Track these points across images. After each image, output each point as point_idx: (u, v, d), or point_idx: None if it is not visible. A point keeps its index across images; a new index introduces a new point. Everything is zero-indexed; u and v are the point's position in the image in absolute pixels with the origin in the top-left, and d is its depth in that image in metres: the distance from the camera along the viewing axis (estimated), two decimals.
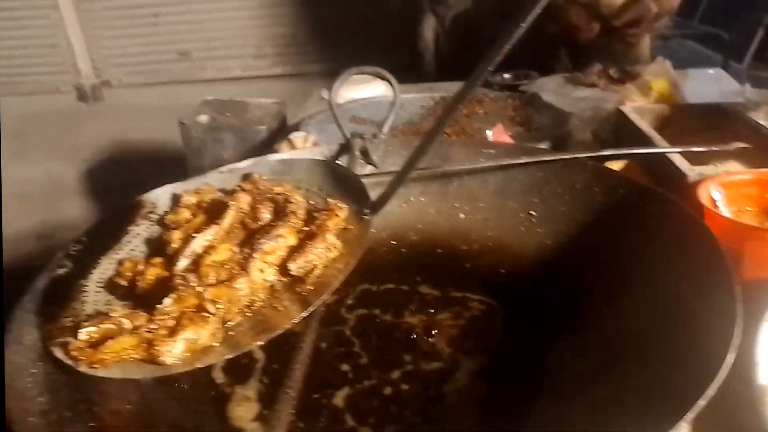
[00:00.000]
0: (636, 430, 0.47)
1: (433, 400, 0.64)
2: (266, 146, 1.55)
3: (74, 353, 0.51)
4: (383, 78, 0.98)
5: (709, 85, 1.46)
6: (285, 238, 0.61)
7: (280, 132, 1.61)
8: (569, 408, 0.58)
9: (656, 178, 0.88)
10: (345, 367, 0.67)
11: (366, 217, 0.64)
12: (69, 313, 0.59)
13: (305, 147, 1.12)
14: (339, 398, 0.63)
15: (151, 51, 3.25)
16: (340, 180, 0.72)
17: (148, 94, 3.31)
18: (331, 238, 0.59)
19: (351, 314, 0.78)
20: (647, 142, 0.93)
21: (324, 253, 0.59)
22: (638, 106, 1.04)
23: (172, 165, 2.65)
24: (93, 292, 0.62)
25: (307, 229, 0.63)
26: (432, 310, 0.79)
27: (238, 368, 0.68)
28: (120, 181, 2.81)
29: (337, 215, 0.63)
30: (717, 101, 1.13)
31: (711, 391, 0.43)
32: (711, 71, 1.52)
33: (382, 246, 0.90)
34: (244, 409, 0.62)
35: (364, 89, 1.64)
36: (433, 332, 0.73)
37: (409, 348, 0.72)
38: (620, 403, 0.53)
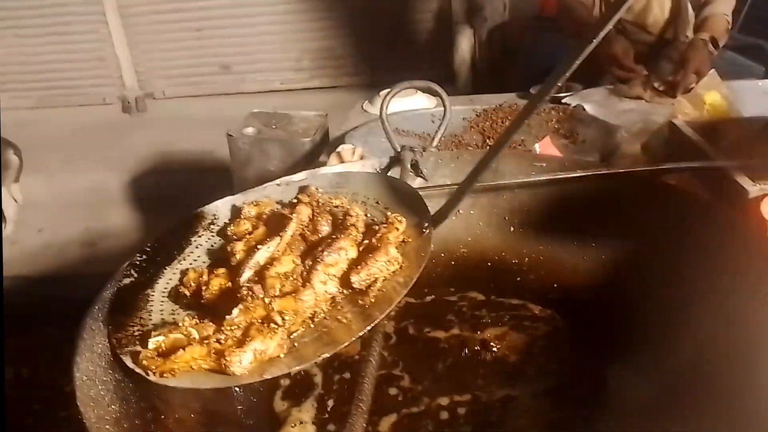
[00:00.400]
0: None
1: (493, 424, 0.63)
2: (310, 158, 1.57)
3: (145, 362, 0.53)
4: (433, 92, 0.98)
5: (761, 97, 1.42)
6: (346, 250, 0.61)
7: (324, 144, 1.63)
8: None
9: (713, 193, 0.86)
10: (393, 390, 0.67)
11: (426, 230, 0.64)
12: (136, 322, 0.60)
13: (353, 160, 1.13)
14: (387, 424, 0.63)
15: (194, 64, 3.32)
16: (397, 193, 0.72)
17: (190, 106, 3.38)
18: (393, 251, 0.60)
19: (398, 328, 0.78)
20: (702, 156, 0.92)
21: (386, 267, 0.59)
22: (691, 120, 1.03)
23: (213, 176, 2.70)
24: (158, 302, 0.63)
25: (367, 242, 0.63)
26: (484, 325, 0.78)
27: (295, 387, 0.68)
28: (163, 191, 2.87)
29: (396, 228, 0.64)
30: None
31: None
32: (760, 83, 1.48)
33: (431, 259, 0.90)
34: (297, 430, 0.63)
35: (405, 102, 1.66)
36: (491, 347, 0.72)
37: (461, 366, 0.72)
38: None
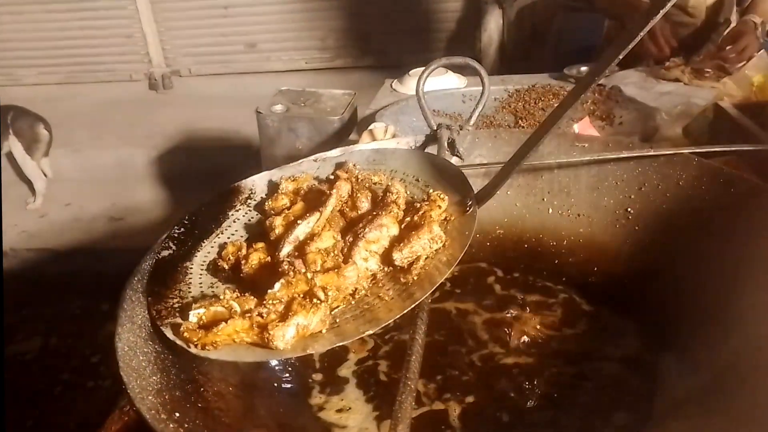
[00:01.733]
0: None
1: (525, 409, 0.62)
2: (339, 136, 1.56)
3: (186, 334, 0.52)
4: (472, 68, 0.96)
5: None
6: (388, 227, 0.60)
7: (353, 122, 1.61)
8: (678, 427, 0.55)
9: (763, 177, 0.83)
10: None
11: (470, 209, 0.63)
12: (176, 294, 0.60)
13: (385, 138, 1.12)
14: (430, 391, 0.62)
15: (220, 42, 3.32)
16: (437, 171, 0.71)
17: (215, 84, 3.38)
18: (436, 229, 0.58)
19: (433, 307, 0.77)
20: (751, 139, 0.88)
21: (428, 244, 0.58)
22: (738, 102, 0.99)
23: (238, 152, 2.71)
24: (197, 274, 0.63)
25: (408, 220, 0.62)
26: (520, 307, 0.77)
27: (333, 362, 0.68)
28: (188, 168, 2.89)
29: (439, 206, 0.62)
30: None
31: None
32: None
33: None
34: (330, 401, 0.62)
35: (436, 81, 1.63)
36: (529, 330, 0.71)
37: (495, 345, 0.71)
38: (740, 427, 0.49)
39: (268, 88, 1.83)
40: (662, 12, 0.51)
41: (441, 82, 1.67)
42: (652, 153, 0.79)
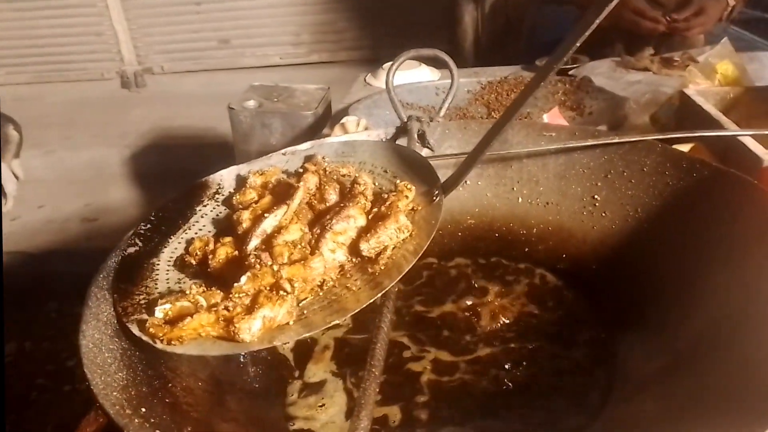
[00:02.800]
0: (720, 427, 0.45)
1: (493, 394, 0.63)
2: (313, 131, 1.55)
3: (152, 330, 0.52)
4: (440, 60, 0.97)
5: None
6: (355, 218, 0.60)
7: (326, 117, 1.61)
8: (642, 407, 0.56)
9: (726, 162, 0.84)
10: (407, 352, 0.67)
11: (436, 198, 0.63)
12: (142, 291, 0.60)
13: (358, 131, 1.12)
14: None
15: (193, 39, 3.29)
16: (405, 162, 0.71)
17: (189, 81, 3.35)
18: (403, 219, 0.59)
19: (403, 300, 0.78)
20: (714, 125, 0.90)
21: (395, 234, 0.58)
22: (702, 89, 1.01)
23: (213, 150, 2.69)
24: (164, 271, 0.63)
25: (376, 210, 0.62)
26: (489, 295, 0.78)
27: (305, 354, 0.68)
28: (162, 166, 2.86)
29: (406, 196, 0.62)
30: None
31: None
32: None
33: (438, 230, 0.89)
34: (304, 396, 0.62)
35: (409, 74, 1.63)
36: (498, 314, 0.72)
37: (465, 334, 0.71)
38: (699, 403, 0.50)
39: (242, 84, 1.81)
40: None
41: (414, 75, 1.68)
42: (617, 140, 0.81)
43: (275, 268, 0.54)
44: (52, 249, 2.61)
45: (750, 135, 0.81)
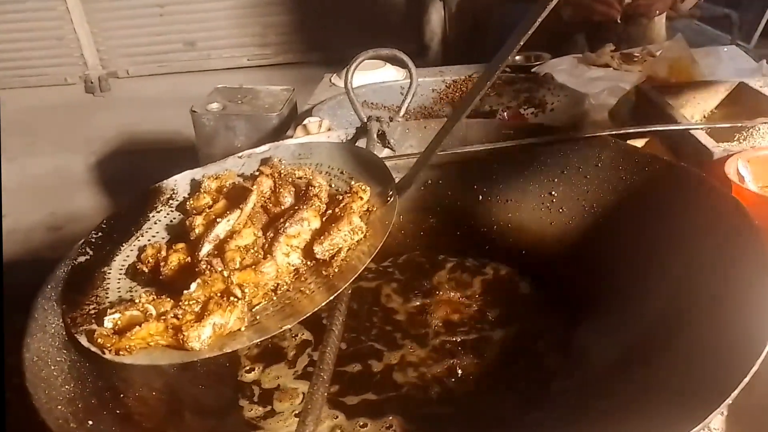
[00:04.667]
0: (668, 419, 0.45)
1: (449, 386, 0.63)
2: (278, 133, 1.54)
3: (100, 341, 0.51)
4: (399, 60, 0.96)
5: (725, 62, 1.43)
6: (309, 221, 0.60)
7: (291, 119, 1.60)
8: (597, 396, 0.57)
9: (679, 156, 0.86)
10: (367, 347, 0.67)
11: (391, 199, 0.63)
12: (92, 301, 0.58)
13: (320, 132, 1.11)
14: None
15: (157, 41, 3.23)
16: (361, 163, 0.71)
17: (154, 84, 3.30)
18: (356, 220, 0.58)
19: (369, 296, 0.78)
20: (669, 119, 0.92)
21: (349, 236, 0.58)
22: (658, 85, 1.02)
23: (180, 155, 2.64)
24: (115, 279, 0.61)
25: (330, 212, 0.61)
26: (453, 290, 0.78)
27: (260, 359, 0.67)
28: (129, 172, 2.80)
29: (360, 198, 0.62)
30: (746, 77, 1.11)
31: (752, 372, 0.42)
32: (725, 49, 1.49)
33: (400, 229, 0.90)
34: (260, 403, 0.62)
35: (374, 74, 1.63)
36: (460, 312, 0.72)
37: (426, 327, 0.72)
38: (651, 390, 0.51)
39: (208, 86, 1.79)
40: None
41: (379, 74, 1.67)
42: (570, 137, 0.81)
43: (225, 273, 0.53)
44: (17, 260, 2.54)
45: (701, 128, 0.82)
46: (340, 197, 0.63)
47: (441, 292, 0.78)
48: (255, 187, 0.64)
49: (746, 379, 0.42)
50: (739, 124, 0.84)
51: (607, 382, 0.56)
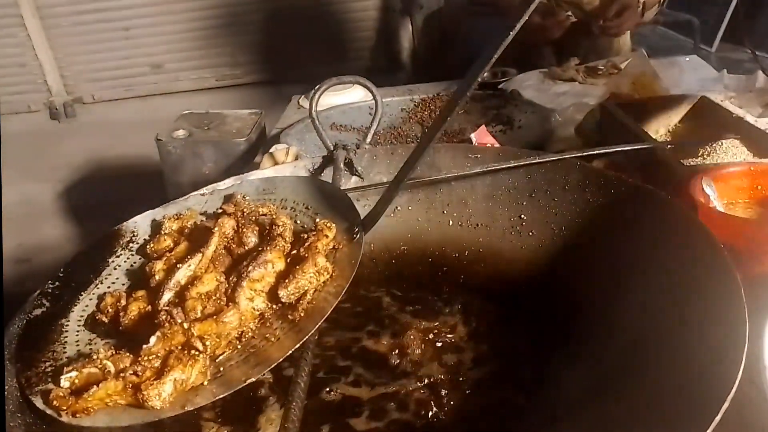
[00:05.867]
0: None
1: (426, 418, 0.62)
2: (247, 158, 1.52)
3: (56, 402, 0.49)
4: (365, 86, 0.96)
5: (687, 73, 1.45)
6: (273, 263, 0.58)
7: (261, 143, 1.58)
8: (572, 426, 0.56)
9: (645, 173, 0.86)
10: (335, 393, 0.65)
11: (357, 236, 0.62)
12: (49, 357, 0.56)
13: (287, 161, 1.10)
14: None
15: (123, 65, 3.19)
16: (327, 197, 0.69)
17: (122, 109, 3.25)
18: (321, 261, 0.57)
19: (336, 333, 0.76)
20: (632, 136, 0.92)
21: (315, 277, 0.57)
22: (621, 101, 1.03)
23: (150, 181, 2.60)
24: (74, 332, 0.59)
25: (295, 252, 0.60)
26: (425, 320, 0.77)
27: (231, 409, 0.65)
28: (98, 200, 2.75)
29: (326, 236, 0.61)
30: (696, 90, 1.13)
31: (726, 405, 0.41)
32: (687, 59, 1.51)
33: (371, 258, 0.88)
34: None
35: (343, 95, 1.62)
36: (433, 338, 0.71)
37: (399, 362, 0.70)
38: (626, 419, 0.51)
39: (177, 109, 1.76)
40: (527, 13, 0.52)
41: (347, 96, 1.66)
42: (537, 160, 0.81)
43: (186, 326, 0.51)
44: None
45: (665, 146, 0.83)
46: (305, 236, 0.62)
47: (410, 325, 0.76)
48: (216, 228, 0.62)
49: (724, 407, 0.41)
50: (703, 142, 0.85)
51: (581, 414, 0.55)
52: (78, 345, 0.58)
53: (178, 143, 1.49)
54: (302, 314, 0.55)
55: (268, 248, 0.60)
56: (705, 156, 0.87)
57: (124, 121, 3.15)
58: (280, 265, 0.59)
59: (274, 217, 0.64)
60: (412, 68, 3.24)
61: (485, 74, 1.78)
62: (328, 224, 0.62)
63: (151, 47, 3.20)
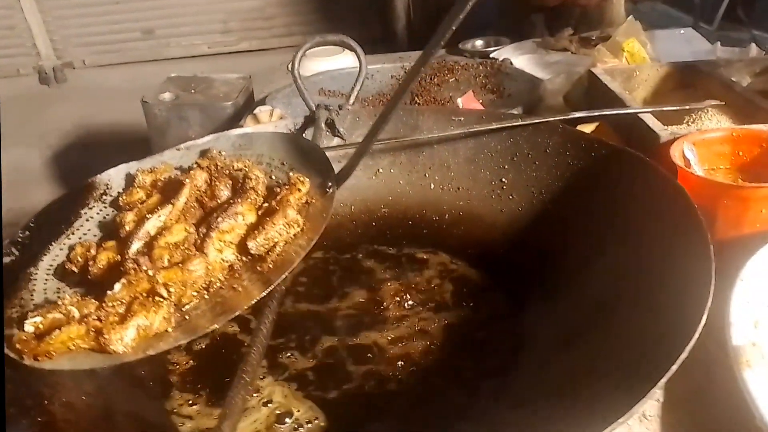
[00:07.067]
0: (610, 396, 0.45)
1: (404, 370, 0.62)
2: (233, 122, 1.50)
3: (18, 346, 0.48)
4: (348, 46, 0.94)
5: (681, 44, 1.44)
6: (244, 215, 0.58)
7: (247, 108, 1.56)
8: (545, 375, 0.57)
9: (629, 139, 0.86)
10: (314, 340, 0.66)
11: (329, 190, 0.61)
12: (16, 304, 0.56)
13: (270, 121, 1.08)
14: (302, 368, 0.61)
15: (114, 30, 3.13)
16: (303, 153, 0.68)
17: (112, 74, 3.20)
18: (292, 213, 0.56)
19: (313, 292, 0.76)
20: (619, 103, 0.91)
21: (285, 230, 0.56)
22: (609, 68, 1.02)
23: (139, 147, 2.58)
24: (42, 281, 0.59)
25: (267, 205, 0.59)
26: (403, 279, 0.77)
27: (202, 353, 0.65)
28: (87, 166, 2.72)
29: (299, 190, 0.60)
30: (698, 60, 1.11)
31: (684, 355, 0.42)
32: (682, 31, 1.50)
33: (352, 220, 0.88)
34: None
35: (332, 61, 1.60)
36: (407, 299, 0.71)
37: (380, 316, 0.71)
38: (594, 368, 0.51)
39: (168, 75, 1.74)
40: None
41: (338, 62, 1.64)
42: (520, 123, 0.81)
43: (151, 273, 0.51)
44: None
45: (648, 112, 0.82)
46: (278, 189, 0.61)
47: (391, 282, 0.77)
48: (188, 180, 0.62)
49: (682, 356, 0.41)
50: (687, 107, 0.84)
51: (555, 362, 0.56)
52: (46, 293, 0.57)
53: (164, 106, 1.47)
54: (271, 266, 0.54)
55: (239, 200, 0.59)
56: (689, 123, 0.86)
57: (114, 86, 3.11)
58: (251, 218, 0.58)
59: (247, 170, 0.64)
60: (408, 39, 3.20)
61: (478, 43, 1.75)
62: (302, 178, 0.62)
63: (142, 12, 3.15)
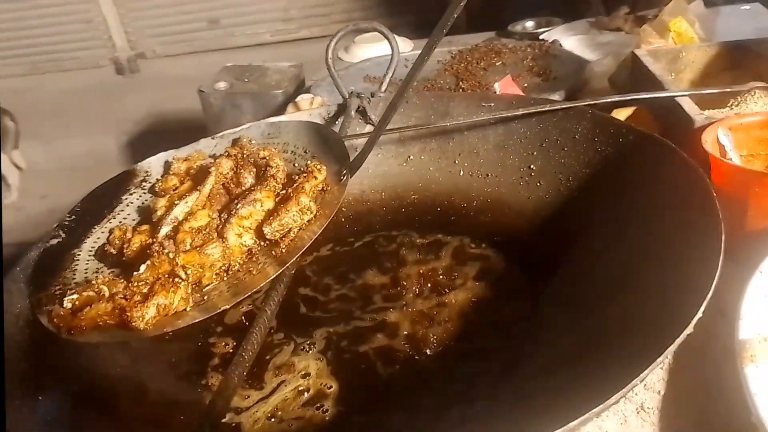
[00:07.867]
0: (618, 363, 0.45)
1: (419, 355, 0.64)
2: (283, 110, 1.55)
3: (56, 320, 0.53)
4: (380, 32, 0.96)
5: (745, 21, 1.35)
6: (262, 202, 0.61)
7: (296, 95, 1.60)
8: (558, 344, 0.57)
9: (666, 125, 0.83)
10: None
11: (343, 178, 0.63)
12: (60, 282, 0.61)
13: (311, 109, 1.11)
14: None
15: (182, 20, 3.27)
16: (324, 141, 0.71)
17: (181, 63, 3.35)
18: (305, 200, 0.59)
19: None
20: (658, 86, 0.88)
21: (298, 216, 0.59)
22: (653, 49, 0.98)
23: (200, 134, 2.70)
24: (84, 261, 0.64)
25: (284, 192, 0.62)
26: (429, 264, 0.78)
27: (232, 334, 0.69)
28: (159, 151, 2.87)
29: (315, 177, 0.63)
30: (749, 38, 1.05)
31: (689, 330, 0.42)
32: (747, 6, 1.41)
33: (382, 206, 0.90)
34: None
35: (378, 47, 1.61)
36: (431, 283, 0.73)
37: (403, 298, 0.72)
38: (604, 336, 0.52)
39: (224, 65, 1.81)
40: None
41: (383, 48, 1.65)
42: (549, 108, 0.80)
43: (171, 255, 0.55)
44: None
45: (685, 95, 0.79)
46: (296, 177, 0.64)
47: (416, 266, 0.78)
48: (213, 168, 0.65)
49: (687, 330, 0.42)
50: (727, 90, 0.80)
51: (573, 323, 0.56)
52: (86, 273, 0.62)
53: (218, 95, 1.54)
54: (284, 250, 0.57)
55: (259, 188, 0.62)
56: (733, 106, 0.82)
57: (183, 75, 3.25)
58: (269, 204, 0.61)
59: (269, 158, 0.67)
60: (466, 21, 3.15)
61: (529, 24, 1.71)
62: (318, 166, 0.64)
63: (207, 2, 3.26)
